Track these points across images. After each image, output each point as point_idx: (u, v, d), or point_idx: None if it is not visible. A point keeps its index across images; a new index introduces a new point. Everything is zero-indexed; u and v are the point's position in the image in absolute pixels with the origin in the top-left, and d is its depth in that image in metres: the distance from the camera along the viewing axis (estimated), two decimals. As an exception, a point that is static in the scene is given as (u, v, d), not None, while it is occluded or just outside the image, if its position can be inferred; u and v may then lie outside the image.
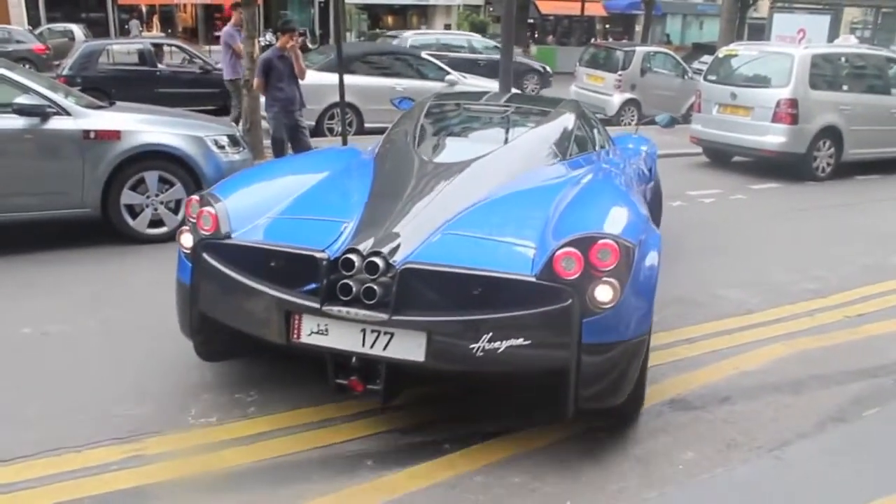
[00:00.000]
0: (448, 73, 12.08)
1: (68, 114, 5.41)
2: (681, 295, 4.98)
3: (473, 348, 2.76)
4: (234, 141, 6.17)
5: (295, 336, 2.96)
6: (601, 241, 2.79)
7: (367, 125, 10.82)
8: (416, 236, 3.06)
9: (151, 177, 5.66)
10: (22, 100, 5.24)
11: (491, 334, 2.75)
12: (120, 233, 5.67)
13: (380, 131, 10.51)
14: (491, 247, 3.06)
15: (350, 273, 2.86)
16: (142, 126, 5.65)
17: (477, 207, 3.37)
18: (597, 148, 4.64)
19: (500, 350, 2.75)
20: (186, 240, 3.26)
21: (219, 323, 3.19)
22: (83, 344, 3.99)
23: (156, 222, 5.74)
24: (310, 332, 2.94)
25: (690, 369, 3.97)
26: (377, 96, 10.32)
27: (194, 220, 3.23)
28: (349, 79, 9.19)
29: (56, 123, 5.33)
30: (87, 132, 5.40)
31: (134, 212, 5.67)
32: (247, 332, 3.14)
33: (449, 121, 4.74)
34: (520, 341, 2.75)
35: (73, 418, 3.22)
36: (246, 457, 3.02)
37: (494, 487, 2.89)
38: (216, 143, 5.96)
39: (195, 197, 3.36)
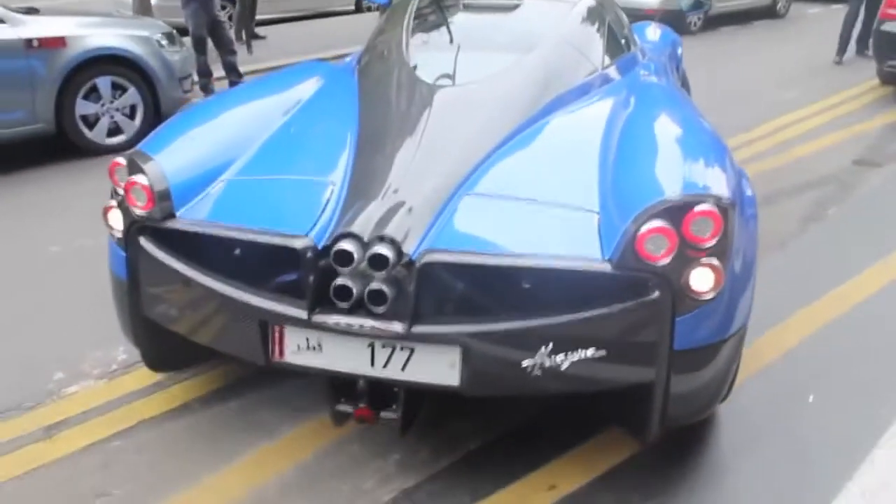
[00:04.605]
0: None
1: (2, 21, 4.97)
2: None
3: (528, 367, 2.01)
4: (170, 38, 5.91)
5: (277, 354, 2.18)
6: (698, 208, 1.95)
7: (258, 16, 10.34)
8: (430, 204, 2.19)
9: (104, 83, 5.38)
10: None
11: (552, 345, 1.99)
12: (78, 146, 5.40)
13: (270, 21, 10.31)
14: (536, 217, 2.22)
15: (347, 267, 2.01)
16: (87, 30, 5.30)
17: (503, 151, 2.48)
18: (631, 49, 3.62)
19: (563, 367, 2.00)
20: (115, 219, 2.39)
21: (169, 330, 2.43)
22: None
23: (113, 131, 5.51)
24: (297, 349, 2.16)
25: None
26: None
27: (123, 194, 2.35)
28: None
29: (-10, 33, 4.90)
30: (29, 41, 5.01)
31: (89, 122, 5.40)
32: (211, 349, 2.41)
33: (447, 23, 3.54)
34: (590, 353, 2.00)
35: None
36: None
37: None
38: (157, 42, 5.72)
39: (119, 160, 2.41)
